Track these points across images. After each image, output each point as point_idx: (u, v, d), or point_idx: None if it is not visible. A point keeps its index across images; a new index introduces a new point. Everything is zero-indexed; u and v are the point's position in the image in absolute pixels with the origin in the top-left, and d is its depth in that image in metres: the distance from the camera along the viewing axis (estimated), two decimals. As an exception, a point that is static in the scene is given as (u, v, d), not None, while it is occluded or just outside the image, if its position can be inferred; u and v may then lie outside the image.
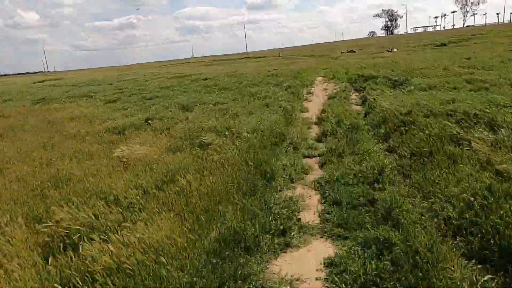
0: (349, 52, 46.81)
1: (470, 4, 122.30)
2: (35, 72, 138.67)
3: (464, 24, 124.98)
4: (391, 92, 10.64)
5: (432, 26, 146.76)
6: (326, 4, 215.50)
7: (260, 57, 53.64)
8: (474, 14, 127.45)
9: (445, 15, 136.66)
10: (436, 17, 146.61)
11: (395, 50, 38.44)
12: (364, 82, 13.41)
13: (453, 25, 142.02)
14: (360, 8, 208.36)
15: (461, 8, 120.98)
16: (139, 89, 18.16)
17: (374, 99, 9.79)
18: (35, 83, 39.29)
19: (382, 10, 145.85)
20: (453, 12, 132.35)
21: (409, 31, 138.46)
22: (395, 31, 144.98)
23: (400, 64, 16.90)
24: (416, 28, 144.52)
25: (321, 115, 9.76)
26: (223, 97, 12.80)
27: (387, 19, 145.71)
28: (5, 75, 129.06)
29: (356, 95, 12.47)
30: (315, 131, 8.65)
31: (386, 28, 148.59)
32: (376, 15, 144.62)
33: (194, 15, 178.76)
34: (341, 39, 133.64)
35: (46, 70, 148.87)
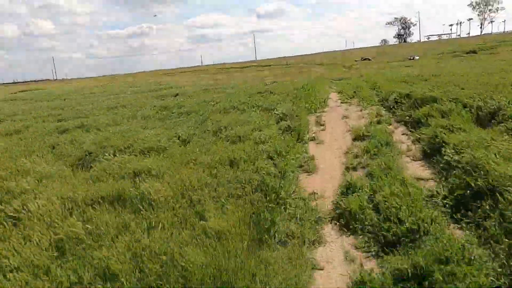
0: (364, 60, 41.08)
1: (488, 11, 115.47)
2: (42, 80, 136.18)
3: (481, 31, 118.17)
4: (495, 139, 4.91)
5: (446, 34, 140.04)
6: (337, 13, 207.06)
7: (266, 65, 48.19)
8: (491, 21, 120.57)
9: (460, 22, 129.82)
10: (451, 25, 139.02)
11: (417, 58, 32.60)
12: (414, 108, 7.67)
13: (468, 33, 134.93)
14: (370, 17, 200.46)
15: (478, 15, 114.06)
16: (77, 110, 12.83)
17: (476, 166, 4.06)
18: (16, 93, 34.72)
19: (395, 18, 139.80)
20: (469, 19, 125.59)
21: (422, 39, 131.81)
22: (409, 39, 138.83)
23: (456, 76, 11.10)
24: (429, 36, 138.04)
25: (348, 202, 4.09)
26: (170, 134, 7.26)
27: (400, 27, 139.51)
28: (14, 83, 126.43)
29: (404, 134, 6.79)
30: (331, 269, 3.03)
31: (398, 36, 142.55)
32: (389, 23, 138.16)
33: (205, 24, 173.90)
34: (352, 47, 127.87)
35: (54, 78, 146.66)
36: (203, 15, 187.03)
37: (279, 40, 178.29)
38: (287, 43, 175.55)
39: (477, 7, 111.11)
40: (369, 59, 40.00)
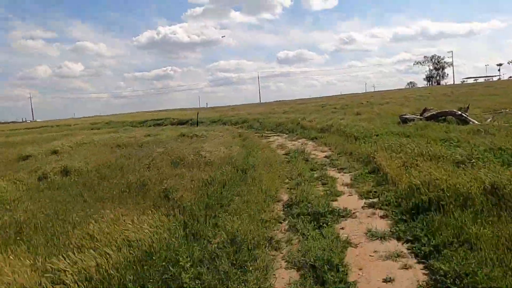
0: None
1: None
2: (12, 122, 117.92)
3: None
4: None
5: (489, 76, 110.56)
6: (355, 59, 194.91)
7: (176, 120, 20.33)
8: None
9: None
10: (500, 64, 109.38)
11: None
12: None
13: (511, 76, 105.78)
14: (388, 62, 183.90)
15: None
16: None
17: None
18: None
19: (424, 56, 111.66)
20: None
21: (455, 82, 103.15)
22: (443, 82, 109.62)
23: None
24: (464, 80, 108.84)
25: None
26: None
27: (431, 68, 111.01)
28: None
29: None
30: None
31: (429, 78, 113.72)
32: (417, 63, 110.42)
33: (226, 68, 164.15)
34: (373, 91, 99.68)
35: (32, 120, 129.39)
36: (225, 60, 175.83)
37: (299, 83, 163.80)
38: (306, 88, 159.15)
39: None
40: (462, 115, 11.24)
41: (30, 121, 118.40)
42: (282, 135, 14.49)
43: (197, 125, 17.62)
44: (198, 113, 20.02)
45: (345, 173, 6.83)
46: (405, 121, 13.16)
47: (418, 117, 13.35)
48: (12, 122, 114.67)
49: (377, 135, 9.58)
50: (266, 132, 16.12)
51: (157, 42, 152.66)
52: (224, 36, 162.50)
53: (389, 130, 9.98)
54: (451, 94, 27.94)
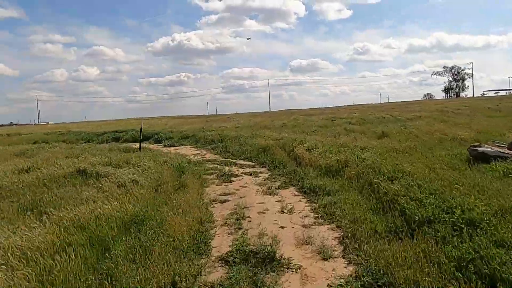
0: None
1: None
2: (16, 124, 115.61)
3: None
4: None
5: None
6: (369, 70, 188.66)
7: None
8: None
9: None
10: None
11: None
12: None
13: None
14: (402, 73, 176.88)
15: None
16: None
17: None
18: None
19: (444, 67, 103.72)
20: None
21: (474, 95, 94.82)
22: (462, 94, 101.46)
23: None
24: (485, 93, 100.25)
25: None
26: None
27: (450, 79, 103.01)
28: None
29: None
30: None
31: (447, 90, 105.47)
32: (436, 73, 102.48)
33: (239, 75, 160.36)
34: (387, 102, 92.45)
35: (37, 123, 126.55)
36: (239, 68, 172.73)
37: (311, 92, 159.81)
38: (319, 97, 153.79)
39: None
40: None
41: (36, 123, 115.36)
42: (260, 173, 8.52)
43: (140, 147, 11.51)
44: (141, 126, 13.95)
45: None
46: (482, 158, 7.05)
47: (508, 152, 7.18)
48: (15, 124, 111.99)
49: (469, 222, 3.49)
50: (241, 162, 10.15)
51: (172, 49, 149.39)
52: (250, 38, 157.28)
53: (492, 202, 3.86)
54: (497, 108, 21.48)
